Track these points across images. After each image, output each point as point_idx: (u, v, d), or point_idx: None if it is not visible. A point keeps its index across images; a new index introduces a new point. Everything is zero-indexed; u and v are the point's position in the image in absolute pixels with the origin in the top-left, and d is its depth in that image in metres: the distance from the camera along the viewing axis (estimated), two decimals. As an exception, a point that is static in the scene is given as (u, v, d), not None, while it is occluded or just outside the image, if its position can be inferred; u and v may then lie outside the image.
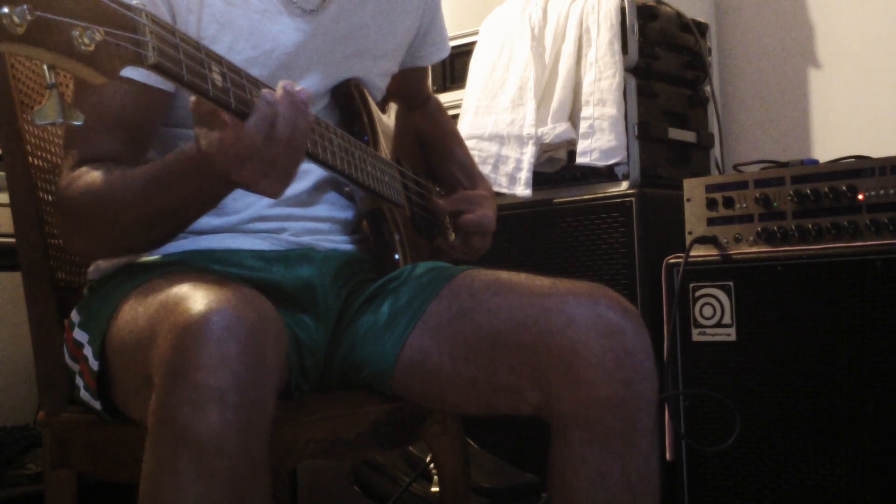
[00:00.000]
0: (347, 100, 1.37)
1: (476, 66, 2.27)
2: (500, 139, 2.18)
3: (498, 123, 2.19)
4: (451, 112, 1.81)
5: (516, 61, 2.19)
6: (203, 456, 0.90)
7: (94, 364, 1.15)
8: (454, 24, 2.13)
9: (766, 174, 1.89)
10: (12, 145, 1.32)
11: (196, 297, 0.97)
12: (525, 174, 2.14)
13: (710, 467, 1.88)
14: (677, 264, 1.92)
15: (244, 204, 1.27)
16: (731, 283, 1.87)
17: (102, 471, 1.28)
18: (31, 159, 1.34)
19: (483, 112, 2.22)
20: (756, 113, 2.66)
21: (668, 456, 1.89)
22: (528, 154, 2.13)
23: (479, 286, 1.23)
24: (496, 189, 2.14)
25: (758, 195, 1.87)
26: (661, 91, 2.19)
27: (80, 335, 1.20)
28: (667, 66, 2.21)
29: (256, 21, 1.23)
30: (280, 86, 1.02)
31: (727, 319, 1.87)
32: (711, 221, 1.93)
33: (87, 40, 0.79)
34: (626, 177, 2.09)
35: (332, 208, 1.35)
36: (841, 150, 2.12)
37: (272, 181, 1.03)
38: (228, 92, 0.97)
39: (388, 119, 1.52)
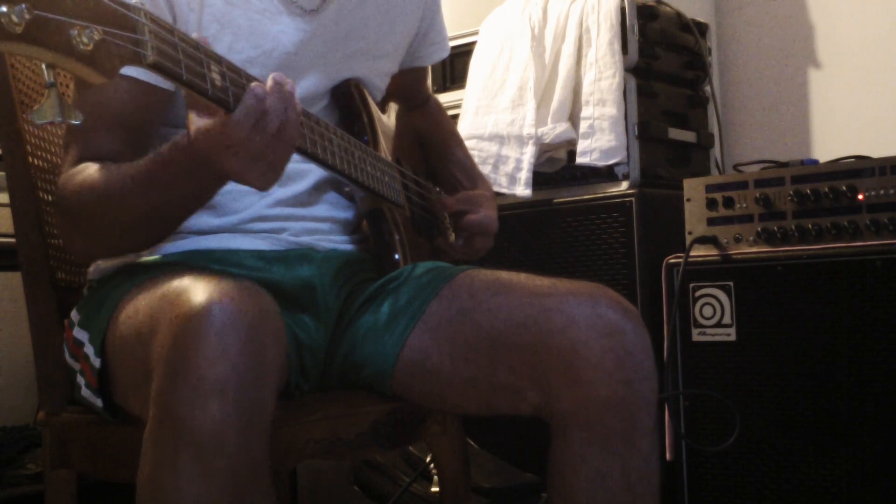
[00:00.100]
0: (347, 100, 1.37)
1: (476, 66, 2.27)
2: (500, 139, 2.18)
3: (498, 123, 2.19)
4: (451, 112, 1.81)
5: (516, 61, 2.19)
6: (203, 455, 0.90)
7: (95, 361, 1.15)
8: (454, 24, 2.13)
9: (766, 174, 1.89)
10: (12, 145, 1.32)
11: (197, 290, 0.97)
12: (525, 174, 2.14)
13: (710, 467, 1.88)
14: (677, 264, 1.92)
15: (244, 204, 1.27)
16: (731, 283, 1.87)
17: (102, 471, 1.28)
18: (31, 159, 1.34)
19: (483, 112, 2.22)
20: (756, 113, 2.66)
21: (668, 456, 1.89)
22: (528, 154, 2.13)
23: (479, 286, 1.23)
24: (496, 189, 2.14)
25: (758, 195, 1.87)
26: (661, 91, 2.19)
27: (80, 334, 1.20)
28: (667, 66, 2.21)
29: (256, 21, 1.23)
30: (270, 77, 1.01)
31: (727, 319, 1.87)
32: (711, 221, 1.93)
33: (85, 39, 0.79)
34: (626, 177, 2.09)
35: (332, 208, 1.35)
36: (841, 150, 2.12)
37: (260, 173, 1.02)
38: (227, 91, 0.97)
39: (388, 119, 1.52)
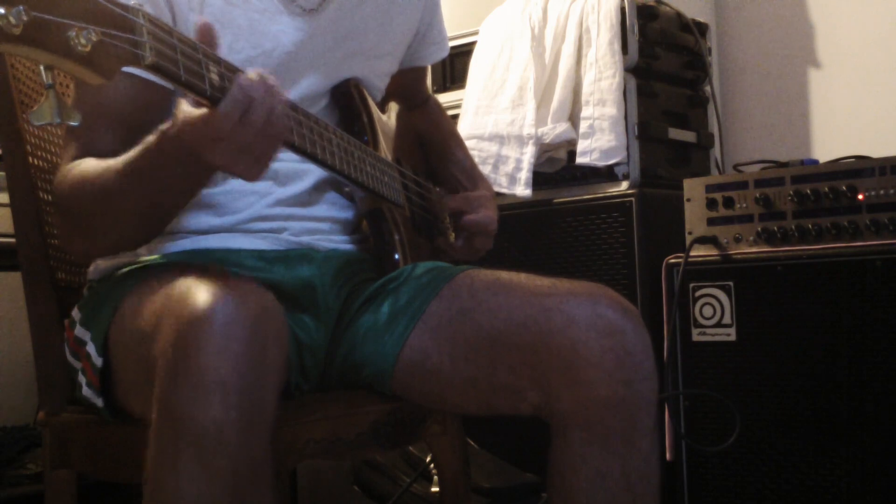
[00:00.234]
0: (347, 100, 1.37)
1: (476, 66, 2.27)
2: (500, 139, 2.18)
3: (498, 123, 2.19)
4: (451, 112, 1.81)
5: (516, 61, 2.19)
6: (204, 454, 0.90)
7: (97, 360, 1.15)
8: (454, 24, 2.13)
9: (766, 174, 1.89)
10: (12, 145, 1.32)
11: (199, 290, 0.96)
12: (525, 174, 2.14)
13: (710, 467, 1.88)
14: (677, 264, 1.92)
15: (244, 204, 1.27)
16: (731, 283, 1.87)
17: (102, 471, 1.28)
18: (31, 159, 1.33)
19: (483, 112, 2.22)
20: (756, 113, 2.66)
21: (668, 456, 1.89)
22: (528, 154, 2.13)
23: (479, 286, 1.23)
24: (496, 189, 2.13)
25: (758, 195, 1.87)
26: (661, 91, 2.19)
27: (81, 333, 1.20)
28: (667, 66, 2.21)
29: (256, 20, 1.23)
30: (255, 71, 1.00)
31: (727, 319, 1.87)
32: (711, 221, 1.93)
33: (83, 41, 0.79)
34: (626, 177, 2.09)
35: (333, 208, 1.35)
36: (841, 150, 2.12)
37: (247, 166, 1.01)
38: (226, 92, 0.97)
39: (387, 119, 1.52)
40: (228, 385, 0.91)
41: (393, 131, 1.52)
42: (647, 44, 2.13)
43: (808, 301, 1.79)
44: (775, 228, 1.85)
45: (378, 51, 1.41)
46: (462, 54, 2.32)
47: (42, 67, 0.81)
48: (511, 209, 2.14)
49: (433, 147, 1.62)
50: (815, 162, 1.93)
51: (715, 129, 2.34)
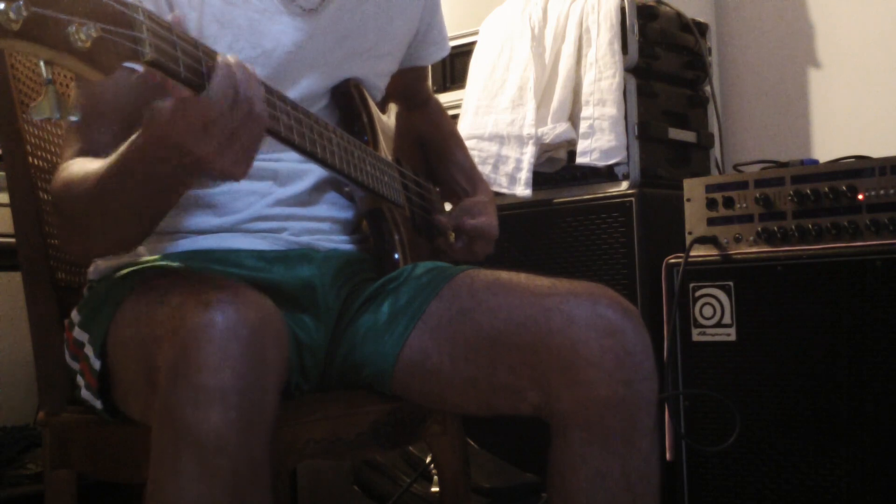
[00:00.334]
0: (347, 100, 1.37)
1: (476, 66, 2.27)
2: (500, 139, 2.18)
3: (498, 123, 2.19)
4: (451, 112, 1.81)
5: (516, 61, 2.19)
6: (204, 455, 0.90)
7: (95, 363, 1.15)
8: (454, 24, 2.13)
9: (766, 174, 1.89)
10: (12, 145, 1.32)
11: (198, 297, 0.97)
12: (525, 174, 2.14)
13: (710, 467, 1.88)
14: (677, 264, 1.92)
15: (244, 204, 1.27)
16: (731, 283, 1.87)
17: (102, 471, 1.28)
18: (31, 159, 1.33)
19: (483, 112, 2.22)
20: (756, 113, 2.66)
21: (668, 456, 1.89)
22: (528, 154, 2.13)
23: (479, 286, 1.23)
24: (496, 189, 2.14)
25: (758, 195, 1.87)
26: (661, 91, 2.19)
27: (80, 334, 1.20)
28: (667, 66, 2.21)
29: (256, 20, 1.23)
30: (231, 56, 0.97)
31: (727, 319, 1.87)
32: (711, 221, 1.93)
33: (83, 36, 0.79)
34: (626, 177, 2.09)
35: (332, 208, 1.35)
36: (841, 150, 2.12)
37: (234, 158, 0.97)
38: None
39: (387, 119, 1.52)
40: (229, 390, 0.91)
41: (393, 131, 1.52)
42: (647, 44, 2.13)
43: (808, 301, 1.79)
44: (775, 228, 1.85)
45: (378, 51, 1.40)
46: (462, 54, 2.32)
47: (41, 63, 0.81)
48: (511, 209, 2.14)
49: (433, 148, 1.62)
50: (815, 162, 1.93)
51: (715, 129, 2.34)
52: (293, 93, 1.24)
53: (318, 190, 1.33)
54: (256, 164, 1.25)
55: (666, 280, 1.93)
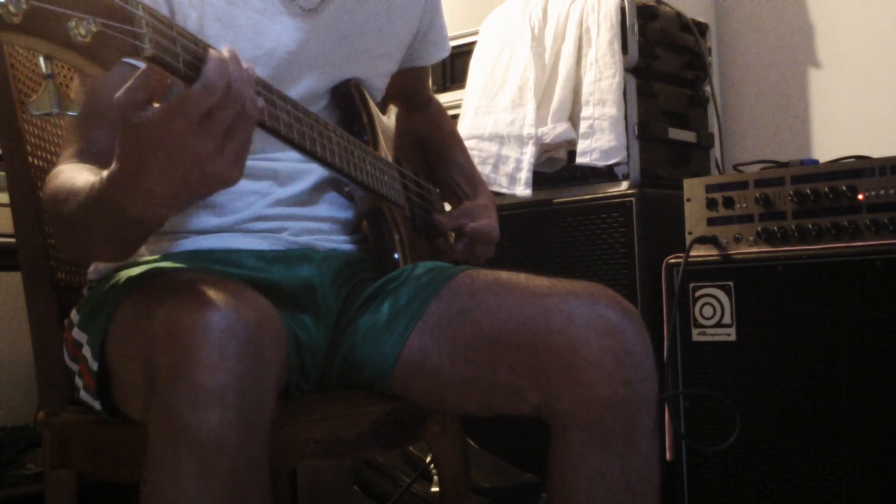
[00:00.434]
0: (347, 100, 1.37)
1: (476, 66, 2.27)
2: (500, 139, 2.18)
3: (498, 123, 2.19)
4: (451, 112, 1.81)
5: (516, 61, 2.19)
6: (203, 455, 0.90)
7: (93, 364, 1.15)
8: (454, 24, 2.12)
9: (766, 174, 1.89)
10: (12, 145, 1.32)
11: (196, 298, 0.97)
12: (525, 174, 2.14)
13: (710, 467, 1.88)
14: (677, 264, 1.92)
15: (244, 204, 1.27)
16: (731, 283, 1.87)
17: (102, 471, 1.28)
18: (31, 159, 1.33)
19: (483, 112, 2.22)
20: (756, 113, 2.66)
21: (668, 456, 1.89)
22: (528, 154, 2.13)
23: (479, 286, 1.23)
24: (496, 189, 2.14)
25: (758, 195, 1.87)
26: (661, 91, 2.19)
27: (79, 335, 1.20)
28: (667, 66, 2.21)
29: (257, 20, 1.23)
30: (226, 48, 0.95)
31: (727, 319, 1.87)
32: (711, 221, 1.93)
33: (83, 31, 0.79)
34: (626, 177, 2.09)
35: (332, 208, 1.35)
36: (841, 150, 2.12)
37: (233, 156, 0.94)
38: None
39: (388, 119, 1.52)
40: (227, 391, 0.91)
41: (393, 132, 1.52)
42: (647, 44, 2.13)
43: (808, 301, 1.79)
44: (775, 228, 1.85)
45: (378, 51, 1.40)
46: (462, 54, 2.32)
47: (41, 58, 0.80)
48: (511, 209, 2.14)
49: (433, 149, 1.62)
50: (815, 162, 1.93)
51: (715, 129, 2.34)
52: (294, 92, 1.24)
53: (317, 190, 1.33)
54: (256, 163, 1.25)
55: (666, 280, 1.93)
